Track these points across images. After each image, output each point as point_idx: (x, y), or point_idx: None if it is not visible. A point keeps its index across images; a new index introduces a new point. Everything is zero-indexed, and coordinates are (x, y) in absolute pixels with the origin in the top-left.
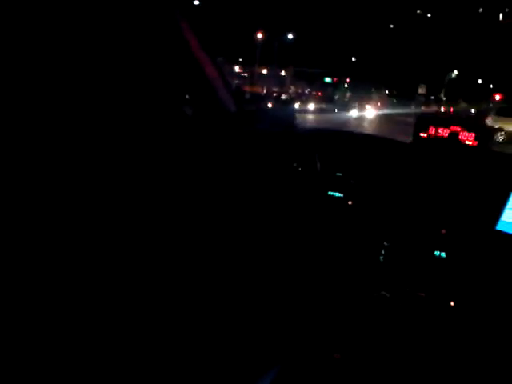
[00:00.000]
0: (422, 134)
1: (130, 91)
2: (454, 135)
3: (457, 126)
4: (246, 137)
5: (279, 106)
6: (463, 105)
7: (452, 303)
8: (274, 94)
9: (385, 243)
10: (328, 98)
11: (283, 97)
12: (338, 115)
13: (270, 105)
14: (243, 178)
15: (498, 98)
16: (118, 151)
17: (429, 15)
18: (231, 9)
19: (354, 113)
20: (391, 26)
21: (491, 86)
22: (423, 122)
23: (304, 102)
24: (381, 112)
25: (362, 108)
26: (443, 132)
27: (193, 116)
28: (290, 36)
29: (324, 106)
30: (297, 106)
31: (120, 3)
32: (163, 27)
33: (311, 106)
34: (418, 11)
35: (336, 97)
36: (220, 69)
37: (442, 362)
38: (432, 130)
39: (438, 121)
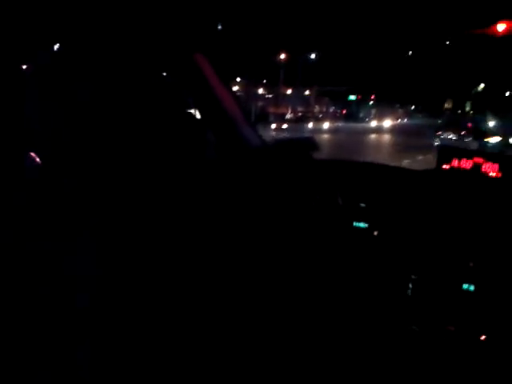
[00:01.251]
0: (444, 166)
1: (147, 130)
2: (477, 167)
3: (480, 157)
4: (267, 170)
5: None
6: (490, 117)
7: (482, 337)
8: (299, 114)
9: (412, 276)
10: (352, 115)
11: (288, 116)
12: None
13: (273, 125)
14: (266, 211)
15: None
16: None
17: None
18: (254, 31)
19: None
20: (411, 51)
21: None
22: (446, 153)
23: (319, 120)
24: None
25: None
26: (466, 164)
27: (214, 153)
28: (313, 56)
29: (340, 124)
30: (310, 125)
31: (139, 42)
32: (182, 66)
33: (326, 125)
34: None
35: (361, 114)
36: (240, 103)
37: None
38: (455, 162)
39: (461, 152)
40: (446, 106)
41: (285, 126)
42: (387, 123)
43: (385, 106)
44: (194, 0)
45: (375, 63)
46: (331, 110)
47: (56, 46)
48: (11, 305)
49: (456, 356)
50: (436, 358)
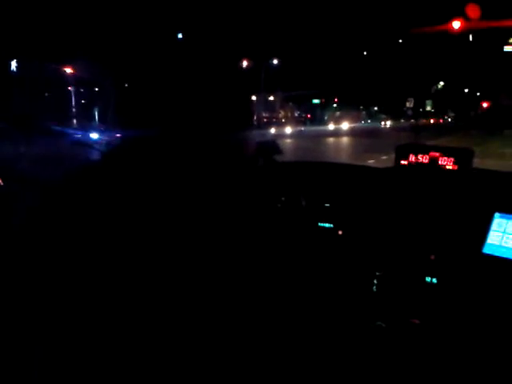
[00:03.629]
0: (402, 162)
1: None
2: (433, 161)
3: (436, 151)
4: (233, 172)
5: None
6: (451, 114)
7: (447, 328)
8: (264, 120)
9: (377, 273)
10: (317, 118)
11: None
12: None
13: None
14: (232, 215)
15: (485, 105)
16: None
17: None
18: (215, 39)
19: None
20: (368, 51)
21: (478, 94)
22: (403, 150)
23: (282, 125)
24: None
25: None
26: (423, 158)
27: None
28: (276, 61)
29: (303, 128)
30: (272, 130)
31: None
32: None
33: (288, 130)
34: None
35: (326, 117)
36: None
37: None
38: (412, 158)
39: (418, 148)
40: (408, 105)
41: None
42: (345, 126)
43: (349, 108)
44: (156, 10)
45: (335, 66)
46: (296, 114)
47: None
48: None
49: (422, 348)
50: (402, 352)
